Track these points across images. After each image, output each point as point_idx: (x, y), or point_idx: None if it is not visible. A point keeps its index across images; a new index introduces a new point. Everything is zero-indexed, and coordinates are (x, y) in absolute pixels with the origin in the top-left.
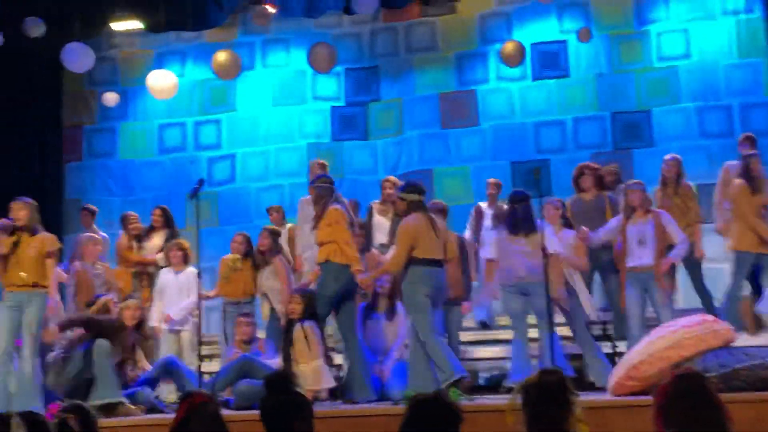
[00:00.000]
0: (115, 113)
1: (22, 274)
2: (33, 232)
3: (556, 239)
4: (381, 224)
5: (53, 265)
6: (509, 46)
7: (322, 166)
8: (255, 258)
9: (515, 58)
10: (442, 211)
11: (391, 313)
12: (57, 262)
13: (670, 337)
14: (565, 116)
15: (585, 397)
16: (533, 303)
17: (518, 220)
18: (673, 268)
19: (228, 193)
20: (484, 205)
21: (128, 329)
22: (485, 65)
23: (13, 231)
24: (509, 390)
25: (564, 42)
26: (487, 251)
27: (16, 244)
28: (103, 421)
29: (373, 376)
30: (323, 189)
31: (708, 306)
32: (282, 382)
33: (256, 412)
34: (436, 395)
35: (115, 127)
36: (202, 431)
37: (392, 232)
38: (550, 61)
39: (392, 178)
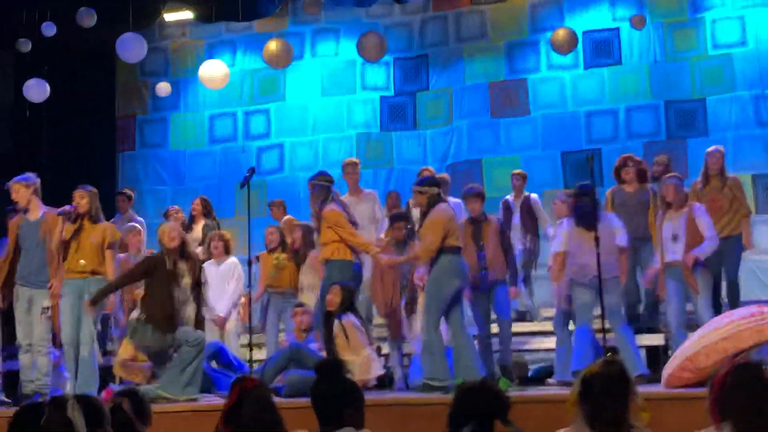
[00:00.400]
0: (166, 103)
1: (82, 261)
2: (95, 221)
3: (624, 234)
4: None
5: (113, 255)
6: (561, 34)
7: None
8: (295, 253)
9: (567, 46)
10: (480, 195)
11: None
12: (116, 252)
13: (726, 329)
14: (618, 105)
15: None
16: (605, 298)
17: (586, 215)
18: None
19: (276, 183)
20: (510, 197)
21: (173, 252)
22: (536, 54)
23: (75, 218)
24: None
25: (617, 30)
26: (555, 244)
27: (77, 231)
28: (156, 407)
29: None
30: (321, 188)
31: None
32: (333, 369)
33: (306, 400)
34: (483, 383)
35: (167, 118)
36: (253, 415)
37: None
38: (602, 49)
39: (430, 168)
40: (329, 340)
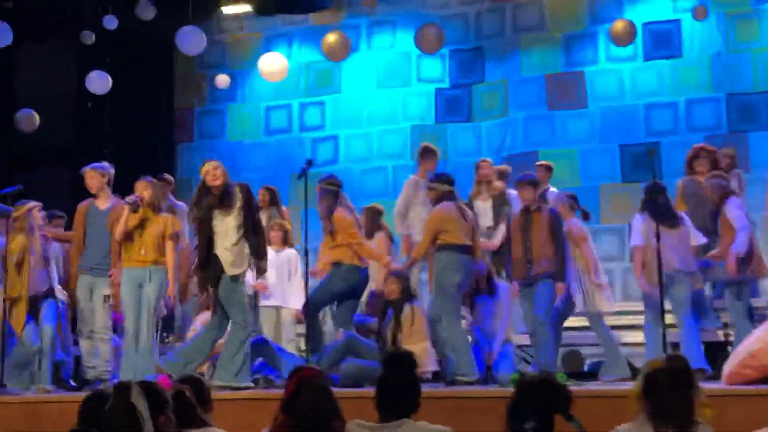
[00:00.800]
0: (223, 95)
1: (143, 251)
2: (157, 211)
3: (698, 232)
4: (481, 209)
5: (173, 246)
6: (619, 25)
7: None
8: None
9: (626, 38)
10: (532, 184)
11: (492, 291)
12: (177, 243)
13: None
14: (678, 98)
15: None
16: (674, 293)
17: (661, 212)
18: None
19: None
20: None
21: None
22: (594, 46)
23: (137, 208)
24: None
25: (677, 21)
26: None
27: (140, 222)
28: (217, 394)
29: (479, 358)
30: (330, 192)
31: None
32: (402, 361)
33: (362, 390)
34: (544, 377)
35: (224, 109)
36: (311, 404)
37: (494, 214)
38: (662, 40)
39: (488, 159)
40: (394, 327)
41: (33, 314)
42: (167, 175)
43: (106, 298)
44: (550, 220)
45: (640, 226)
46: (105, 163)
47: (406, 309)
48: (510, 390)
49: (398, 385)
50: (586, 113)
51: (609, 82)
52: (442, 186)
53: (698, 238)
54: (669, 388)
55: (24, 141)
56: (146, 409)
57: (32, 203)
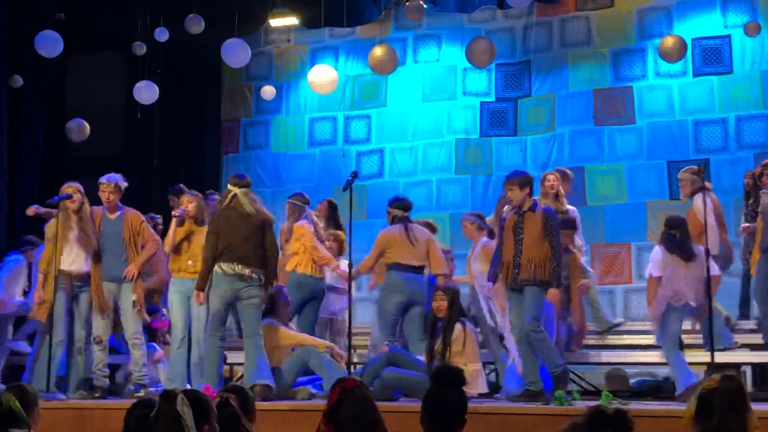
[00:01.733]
0: (269, 107)
1: (190, 262)
2: (201, 224)
3: (713, 264)
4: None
5: None
6: (669, 41)
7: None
8: None
9: (676, 54)
10: (521, 183)
11: None
12: None
13: None
14: (728, 114)
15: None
16: (671, 325)
17: (678, 246)
18: None
19: (376, 188)
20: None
21: None
22: (643, 61)
23: (183, 222)
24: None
25: (728, 37)
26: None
27: (187, 235)
28: (260, 404)
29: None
30: (297, 207)
31: None
32: (452, 378)
33: (405, 404)
34: (619, 411)
35: (269, 121)
36: (354, 415)
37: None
38: (712, 56)
39: (555, 173)
40: (443, 346)
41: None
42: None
43: (134, 303)
44: (543, 221)
45: (659, 257)
46: (118, 175)
47: (457, 329)
48: (552, 407)
49: (446, 401)
50: (634, 129)
51: (658, 97)
52: (396, 211)
53: (714, 270)
54: (724, 409)
55: (73, 150)
56: (191, 418)
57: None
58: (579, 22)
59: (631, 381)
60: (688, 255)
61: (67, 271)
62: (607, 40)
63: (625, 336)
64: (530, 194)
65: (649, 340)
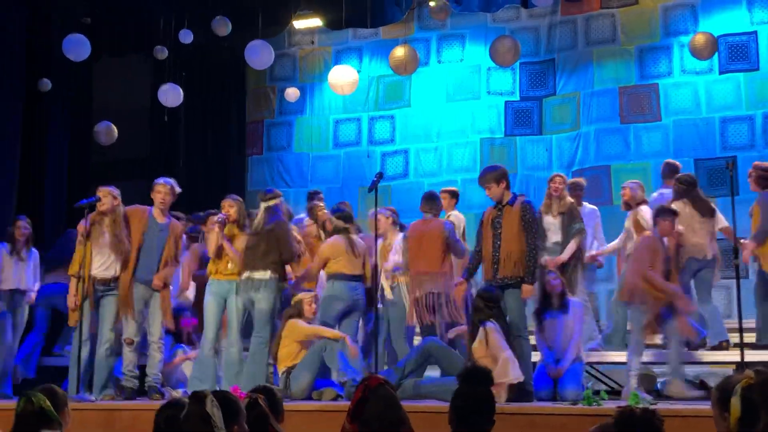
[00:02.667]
0: (292, 108)
1: (230, 265)
2: (242, 228)
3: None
4: (550, 224)
5: None
6: (700, 38)
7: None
8: None
9: (706, 51)
10: (495, 177)
11: (564, 308)
12: None
13: None
14: (755, 111)
15: None
16: (705, 274)
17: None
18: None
19: (401, 188)
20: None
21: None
22: (669, 58)
23: (224, 226)
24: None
25: (754, 33)
26: None
27: (228, 238)
28: (287, 405)
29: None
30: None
31: None
32: (478, 378)
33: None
34: (650, 413)
35: (292, 121)
36: (378, 413)
37: (564, 230)
38: (738, 53)
39: (562, 175)
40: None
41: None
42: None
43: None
44: (521, 214)
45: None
46: (172, 180)
47: (480, 332)
48: (581, 407)
49: (474, 401)
50: (660, 126)
51: (684, 95)
52: (339, 222)
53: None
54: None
55: (100, 153)
56: (221, 419)
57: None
58: (604, 20)
59: (658, 381)
60: (709, 211)
61: (93, 275)
62: (632, 37)
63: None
64: (507, 188)
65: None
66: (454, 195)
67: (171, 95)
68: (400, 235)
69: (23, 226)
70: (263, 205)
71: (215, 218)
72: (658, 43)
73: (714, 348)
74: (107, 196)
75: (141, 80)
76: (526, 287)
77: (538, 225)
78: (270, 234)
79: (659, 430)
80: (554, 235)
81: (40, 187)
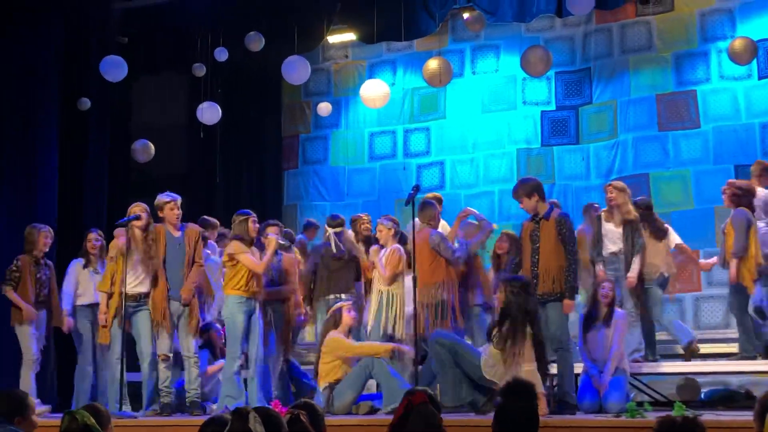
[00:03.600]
0: (328, 122)
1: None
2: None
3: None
4: (611, 231)
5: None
6: (738, 43)
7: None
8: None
9: (746, 55)
10: (526, 191)
11: (608, 320)
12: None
13: None
14: None
15: None
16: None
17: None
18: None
19: None
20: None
21: None
22: (706, 64)
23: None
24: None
25: None
26: None
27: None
28: (328, 420)
29: (590, 387)
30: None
31: None
32: (523, 392)
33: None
34: (691, 420)
35: (328, 135)
36: (419, 430)
37: (625, 239)
38: None
39: (615, 183)
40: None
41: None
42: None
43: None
44: (557, 228)
45: None
46: (173, 193)
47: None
48: (624, 420)
49: (518, 416)
50: (699, 133)
51: (722, 101)
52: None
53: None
54: None
55: (139, 171)
56: None
57: None
58: (639, 28)
59: (702, 391)
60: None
61: (126, 291)
62: (668, 44)
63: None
64: (541, 200)
65: (722, 348)
66: (439, 202)
67: (209, 113)
68: (395, 246)
69: (95, 239)
70: (332, 231)
71: (280, 240)
72: (695, 49)
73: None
74: (143, 212)
75: (178, 97)
76: (567, 303)
77: (575, 237)
78: (352, 260)
79: None
80: (612, 245)
81: (79, 204)
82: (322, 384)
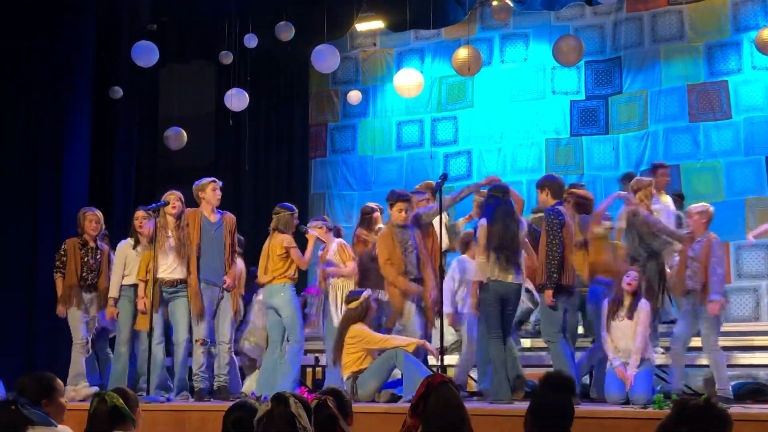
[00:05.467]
0: (355, 111)
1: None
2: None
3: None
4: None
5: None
6: (765, 34)
7: None
8: None
9: None
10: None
11: (631, 311)
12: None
13: None
14: None
15: None
16: None
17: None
18: None
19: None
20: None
21: None
22: (739, 54)
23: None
24: None
25: None
26: None
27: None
28: (355, 406)
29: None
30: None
31: None
32: (564, 384)
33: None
34: (707, 403)
35: (356, 124)
36: (438, 411)
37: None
38: None
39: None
40: None
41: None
42: None
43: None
44: (545, 223)
45: None
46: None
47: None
48: (651, 411)
49: (555, 409)
50: (731, 124)
51: (755, 91)
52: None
53: None
54: None
55: (167, 158)
56: (306, 419)
57: None
58: (671, 17)
59: (731, 384)
60: None
61: (160, 278)
62: (700, 33)
63: (724, 338)
64: (551, 195)
65: (749, 342)
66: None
67: (237, 100)
68: (338, 240)
69: (143, 217)
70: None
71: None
72: (727, 39)
73: None
74: (177, 200)
75: (206, 85)
76: (546, 292)
77: (557, 232)
78: None
79: (719, 418)
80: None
81: (109, 191)
82: (345, 373)
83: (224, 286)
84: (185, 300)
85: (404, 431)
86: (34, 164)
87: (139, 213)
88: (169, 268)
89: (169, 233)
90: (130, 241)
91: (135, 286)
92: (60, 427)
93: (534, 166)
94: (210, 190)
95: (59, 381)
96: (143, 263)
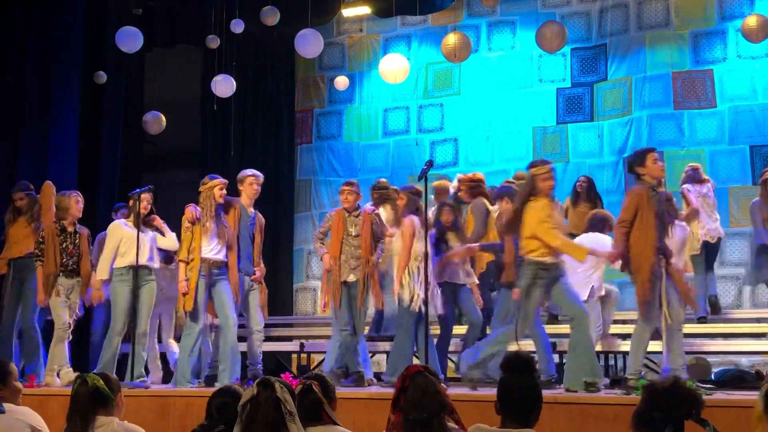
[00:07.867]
0: (342, 97)
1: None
2: None
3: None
4: None
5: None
6: (752, 20)
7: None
8: None
9: (759, 33)
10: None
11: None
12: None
13: None
14: None
15: None
16: None
17: None
18: None
19: (451, 177)
20: None
21: None
22: (724, 43)
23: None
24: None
25: None
26: None
27: None
28: (339, 392)
29: None
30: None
31: None
32: (524, 365)
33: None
34: (673, 382)
35: (342, 111)
36: (415, 400)
37: None
38: None
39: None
40: None
41: None
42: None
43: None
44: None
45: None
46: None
47: None
48: (634, 397)
49: (518, 390)
50: (715, 113)
51: (740, 80)
52: None
53: None
54: None
55: (152, 143)
56: (293, 403)
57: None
58: (657, 4)
59: (713, 371)
60: None
61: (207, 257)
62: (686, 21)
63: (707, 325)
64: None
65: (732, 329)
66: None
67: (223, 86)
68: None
69: (147, 200)
70: None
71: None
72: (713, 27)
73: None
74: (224, 187)
75: (192, 70)
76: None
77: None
78: None
79: (687, 399)
80: None
81: (95, 176)
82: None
83: (252, 278)
84: (227, 284)
85: (390, 427)
86: (19, 148)
87: (144, 195)
88: (214, 249)
89: (213, 214)
90: (127, 221)
91: (132, 267)
92: (20, 408)
93: (521, 154)
94: (247, 184)
95: (12, 365)
96: (185, 244)
